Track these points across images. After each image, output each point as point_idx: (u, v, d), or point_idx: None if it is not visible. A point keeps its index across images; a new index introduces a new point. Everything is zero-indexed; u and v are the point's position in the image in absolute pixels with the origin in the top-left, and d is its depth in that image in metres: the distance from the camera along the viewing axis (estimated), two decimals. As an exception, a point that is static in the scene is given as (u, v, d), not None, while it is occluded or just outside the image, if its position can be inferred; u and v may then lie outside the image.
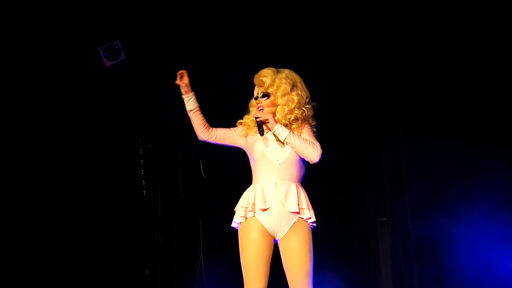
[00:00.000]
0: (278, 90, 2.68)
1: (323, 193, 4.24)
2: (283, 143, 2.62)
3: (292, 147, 2.61)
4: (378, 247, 4.12)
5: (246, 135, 2.74)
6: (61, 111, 4.25)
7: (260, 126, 2.63)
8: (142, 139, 4.61)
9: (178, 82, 2.69)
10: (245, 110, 2.86)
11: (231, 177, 4.36)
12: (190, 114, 2.71)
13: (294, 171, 2.60)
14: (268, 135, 2.68)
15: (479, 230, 3.65)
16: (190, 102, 2.70)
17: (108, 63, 4.11)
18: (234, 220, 2.63)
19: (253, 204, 2.55)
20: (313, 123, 2.80)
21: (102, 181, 4.41)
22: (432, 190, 3.86)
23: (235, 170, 4.25)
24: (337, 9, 3.93)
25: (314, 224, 2.65)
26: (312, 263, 2.55)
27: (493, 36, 3.71)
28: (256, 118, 2.64)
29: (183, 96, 2.71)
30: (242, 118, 2.83)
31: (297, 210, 2.54)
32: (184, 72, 2.70)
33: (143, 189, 4.62)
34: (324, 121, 4.23)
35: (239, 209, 2.61)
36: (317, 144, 2.65)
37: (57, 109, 4.23)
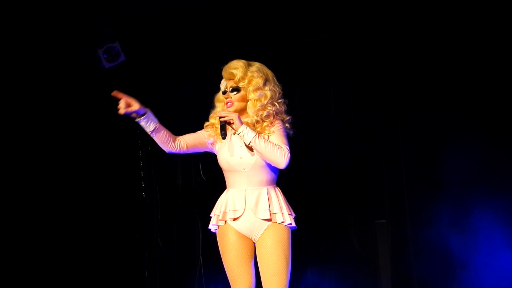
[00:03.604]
0: (250, 84, 2.47)
1: (322, 195, 4.24)
2: (249, 149, 2.43)
3: (257, 152, 2.42)
4: (377, 249, 4.12)
5: (213, 142, 2.55)
6: (61, 113, 4.25)
7: (223, 127, 2.39)
8: (141, 141, 4.61)
9: (123, 109, 2.30)
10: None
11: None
12: (153, 134, 2.41)
13: (263, 176, 2.45)
14: (234, 140, 2.49)
15: (479, 233, 3.64)
16: (149, 123, 2.38)
17: (107, 64, 4.12)
18: (209, 227, 2.58)
19: (224, 213, 2.48)
20: (287, 118, 2.58)
21: (101, 183, 4.41)
22: (431, 193, 3.86)
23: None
24: (337, 11, 3.93)
25: (293, 225, 2.49)
26: (288, 264, 2.40)
27: (496, 35, 3.70)
28: (220, 117, 2.41)
29: (138, 120, 2.36)
30: (208, 119, 2.60)
31: (269, 217, 2.42)
32: (117, 93, 2.32)
33: (142, 190, 4.62)
34: (324, 124, 4.26)
35: (213, 216, 2.54)
36: (285, 148, 2.43)
37: (56, 110, 4.24)
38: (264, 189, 2.46)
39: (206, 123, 2.59)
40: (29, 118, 4.08)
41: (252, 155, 2.45)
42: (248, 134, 2.39)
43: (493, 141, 3.69)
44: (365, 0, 3.82)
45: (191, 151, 2.55)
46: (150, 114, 2.39)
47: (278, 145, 2.43)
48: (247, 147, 2.45)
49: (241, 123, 2.41)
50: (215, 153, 2.60)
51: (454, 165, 3.74)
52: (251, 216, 2.44)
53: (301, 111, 4.03)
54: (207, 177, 4.54)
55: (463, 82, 3.83)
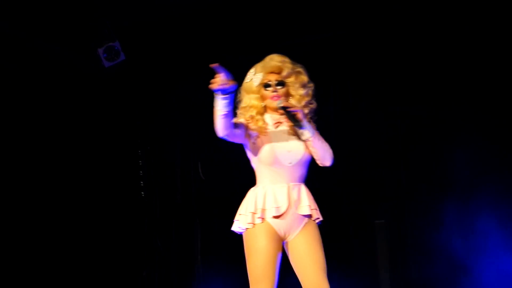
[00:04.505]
0: (297, 80, 2.44)
1: (321, 195, 4.22)
2: (296, 143, 2.38)
3: (312, 147, 2.40)
4: (376, 250, 4.12)
5: (257, 135, 2.39)
6: (60, 111, 4.25)
7: (294, 118, 2.34)
8: (141, 140, 4.61)
9: (220, 84, 2.12)
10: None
11: (230, 178, 4.35)
12: (226, 115, 2.21)
13: (303, 172, 2.42)
14: (279, 133, 2.41)
15: (480, 235, 3.65)
16: (229, 103, 2.21)
17: (107, 63, 4.12)
18: (238, 225, 2.42)
19: (263, 210, 2.36)
20: (315, 118, 2.55)
21: (100, 182, 4.40)
22: (431, 194, 3.86)
23: (234, 171, 4.25)
24: (336, 11, 3.93)
25: (321, 219, 2.49)
26: (325, 259, 2.38)
27: (502, 33, 3.70)
28: (285, 108, 2.35)
29: (224, 97, 2.17)
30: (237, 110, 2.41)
31: (310, 213, 2.41)
32: (217, 66, 2.13)
33: (141, 190, 4.61)
34: (322, 123, 4.25)
35: (246, 214, 2.39)
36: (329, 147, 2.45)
37: (57, 109, 4.23)
38: (302, 186, 2.44)
39: (246, 116, 2.44)
40: (28, 116, 4.07)
41: (300, 149, 2.41)
42: (309, 129, 2.38)
43: (496, 142, 3.70)
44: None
45: (234, 139, 2.40)
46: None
47: (327, 143, 2.44)
48: (293, 141, 2.40)
49: (304, 117, 2.38)
50: (247, 146, 2.45)
51: (456, 165, 3.74)
52: (293, 213, 2.38)
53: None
54: (206, 177, 4.54)
55: (467, 81, 3.82)
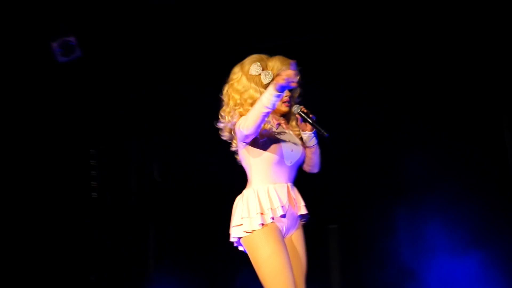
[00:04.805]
0: (298, 88, 2.45)
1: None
2: (296, 143, 2.38)
3: (312, 154, 2.44)
4: (328, 254, 4.18)
5: (266, 132, 2.35)
6: (8, 107, 4.09)
7: (312, 125, 2.33)
8: (94, 139, 4.49)
9: (290, 79, 2.13)
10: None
11: (186, 180, 4.31)
12: (269, 113, 2.23)
13: (296, 173, 2.43)
14: (282, 133, 2.40)
15: (427, 240, 3.77)
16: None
17: (61, 59, 3.97)
18: (244, 229, 2.31)
19: (272, 209, 2.31)
20: None
21: (49, 181, 4.26)
22: (383, 200, 3.95)
23: (191, 173, 4.21)
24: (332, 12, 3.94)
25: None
26: (306, 263, 2.41)
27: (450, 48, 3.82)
28: (304, 113, 2.34)
29: (279, 95, 2.19)
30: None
31: (307, 212, 2.41)
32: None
33: (92, 190, 4.48)
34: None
35: (251, 216, 2.31)
36: None
37: (4, 104, 4.06)
38: (295, 187, 2.44)
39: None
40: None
41: (299, 150, 2.41)
42: (316, 135, 2.41)
43: (446, 151, 3.83)
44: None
45: (250, 139, 2.35)
46: None
47: None
48: (293, 142, 2.40)
49: None
50: (249, 144, 2.38)
51: (408, 173, 3.85)
52: (292, 212, 2.37)
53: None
54: (162, 178, 4.48)
55: (421, 90, 3.93)
